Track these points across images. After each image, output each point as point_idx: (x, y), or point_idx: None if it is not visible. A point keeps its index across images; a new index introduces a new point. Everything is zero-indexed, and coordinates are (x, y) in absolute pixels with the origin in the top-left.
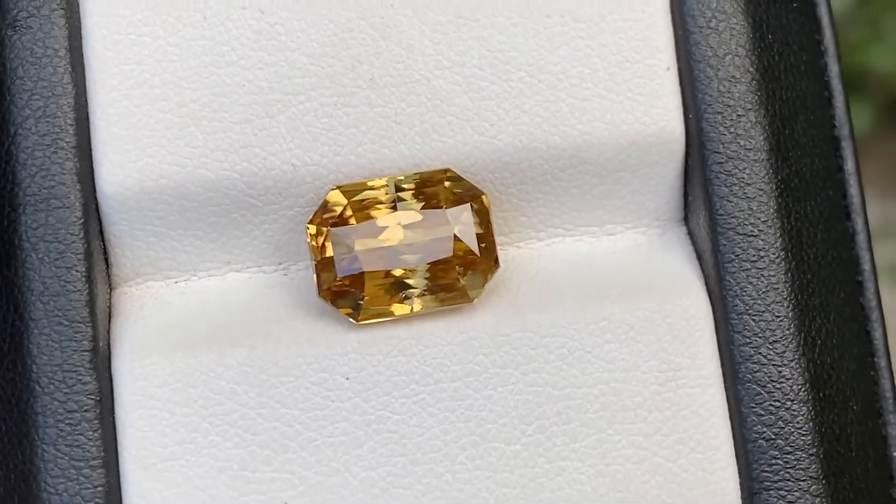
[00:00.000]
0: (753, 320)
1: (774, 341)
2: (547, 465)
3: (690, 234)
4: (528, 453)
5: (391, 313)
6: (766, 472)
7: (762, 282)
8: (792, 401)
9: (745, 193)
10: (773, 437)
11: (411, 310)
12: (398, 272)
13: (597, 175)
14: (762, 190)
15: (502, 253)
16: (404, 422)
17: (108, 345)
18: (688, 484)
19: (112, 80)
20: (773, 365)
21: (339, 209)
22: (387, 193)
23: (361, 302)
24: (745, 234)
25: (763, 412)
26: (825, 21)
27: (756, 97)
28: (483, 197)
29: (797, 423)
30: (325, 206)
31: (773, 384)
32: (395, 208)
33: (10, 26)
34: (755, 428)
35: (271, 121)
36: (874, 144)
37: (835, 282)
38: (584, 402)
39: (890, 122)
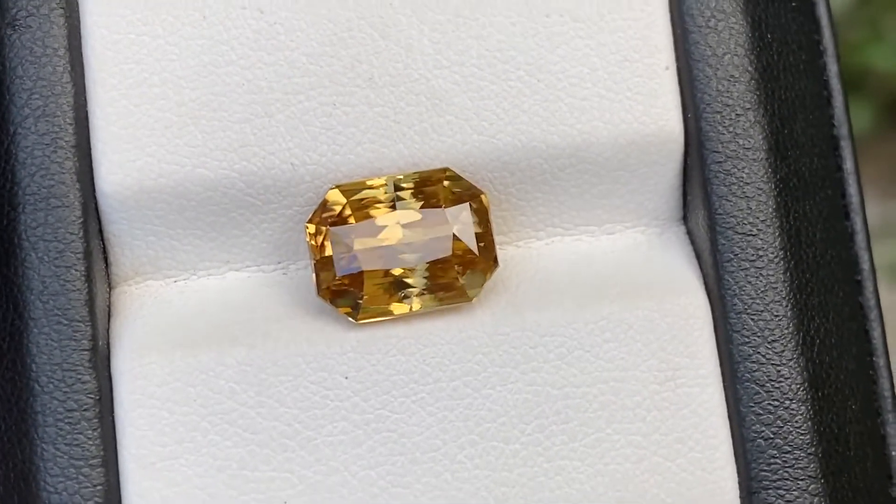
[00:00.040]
0: (752, 319)
1: (773, 340)
2: (546, 464)
3: (689, 233)
4: (526, 452)
5: (390, 312)
6: (765, 471)
7: (761, 281)
8: (791, 400)
9: (743, 193)
10: (772, 436)
11: (410, 309)
12: (397, 271)
13: (596, 174)
14: (761, 189)
15: (501, 252)
16: (403, 421)
17: (108, 344)
18: (687, 483)
19: (111, 80)
20: (772, 364)
21: (338, 208)
22: (386, 193)
23: (360, 301)
24: (744, 233)
25: (762, 411)
26: (824, 21)
27: (755, 96)
28: (482, 196)
29: (796, 422)
30: (324, 206)
31: (772, 383)
32: (394, 207)
33: (10, 25)
34: (754, 427)
35: (270, 120)
36: (874, 144)
37: (833, 281)
38: (583, 402)
39: (890, 121)
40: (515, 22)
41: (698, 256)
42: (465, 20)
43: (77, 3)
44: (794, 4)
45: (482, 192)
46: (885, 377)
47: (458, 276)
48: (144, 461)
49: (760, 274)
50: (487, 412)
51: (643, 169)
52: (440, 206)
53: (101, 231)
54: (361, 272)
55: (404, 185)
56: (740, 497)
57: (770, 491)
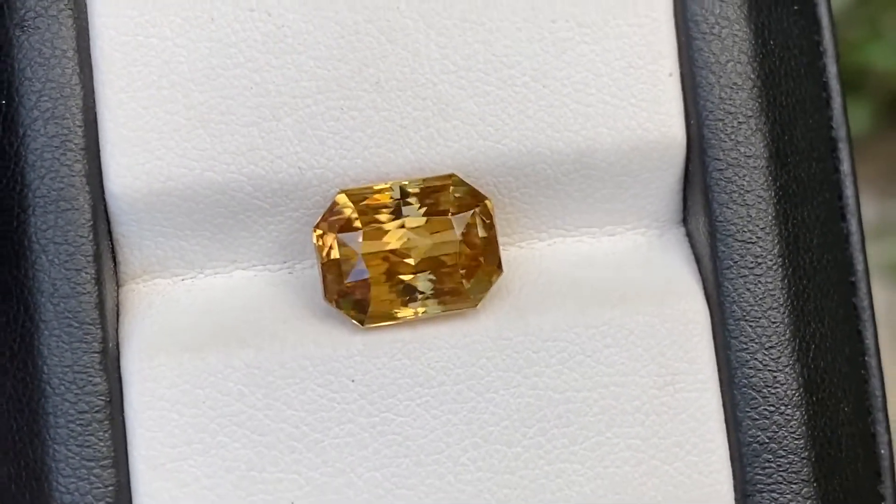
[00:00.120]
0: (750, 326)
1: (770, 347)
2: (547, 466)
3: (689, 235)
4: (528, 455)
5: (396, 317)
6: (760, 475)
7: (759, 288)
8: (786, 405)
9: (744, 200)
10: (767, 440)
11: (416, 314)
12: (403, 277)
13: (599, 179)
14: (761, 197)
15: (504, 253)
16: (408, 424)
17: (117, 344)
18: (684, 486)
19: (120, 82)
20: (769, 370)
21: (345, 213)
22: (392, 198)
23: (367, 306)
24: (743, 240)
25: (758, 416)
26: (825, 21)
27: (757, 104)
28: (487, 202)
29: (790, 427)
30: (331, 210)
31: (768, 389)
32: (400, 213)
33: (18, 26)
34: (750, 432)
35: (278, 124)
36: (872, 143)
37: (829, 285)
38: (583, 406)
39: (888, 121)
40: (521, 27)
41: (697, 260)
42: (472, 25)
43: (85, 5)
44: (796, 8)
45: (487, 198)
46: (877, 377)
47: (463, 281)
48: (154, 462)
49: (759, 281)
50: (490, 415)
51: (645, 174)
52: (446, 212)
53: (109, 231)
54: (368, 277)
55: (410, 190)
56: (735, 500)
57: (764, 494)
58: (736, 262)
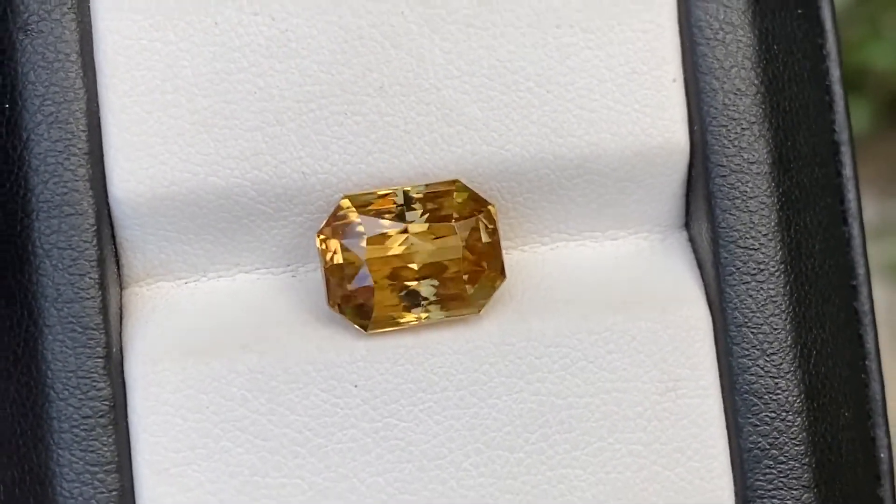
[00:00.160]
0: (752, 332)
1: (772, 353)
2: (549, 472)
3: (691, 239)
4: (531, 461)
5: (399, 323)
6: (760, 481)
7: (761, 294)
8: (787, 412)
9: (747, 207)
10: (768, 447)
11: (419, 319)
12: (407, 282)
13: (602, 185)
14: (764, 203)
15: (507, 257)
16: (411, 429)
17: (121, 348)
18: (685, 492)
19: (123, 86)
20: (770, 376)
21: (348, 219)
22: (396, 203)
23: (370, 311)
24: (746, 247)
25: (759, 423)
26: (828, 24)
27: (760, 110)
28: (490, 208)
29: (791, 433)
30: (334, 216)
31: (770, 395)
32: (403, 219)
33: (22, 30)
34: (751, 438)
35: (282, 128)
36: (872, 143)
37: (830, 289)
38: (585, 412)
39: (888, 120)
40: (525, 32)
41: (700, 266)
42: (476, 30)
43: (89, 8)
44: (799, 11)
45: (490, 204)
46: (877, 380)
47: (466, 287)
48: (158, 467)
49: (761, 287)
50: (493, 421)
51: (648, 179)
52: (449, 218)
53: (113, 235)
54: (372, 283)
55: (414, 195)
56: None
57: (765, 500)
58: (738, 268)
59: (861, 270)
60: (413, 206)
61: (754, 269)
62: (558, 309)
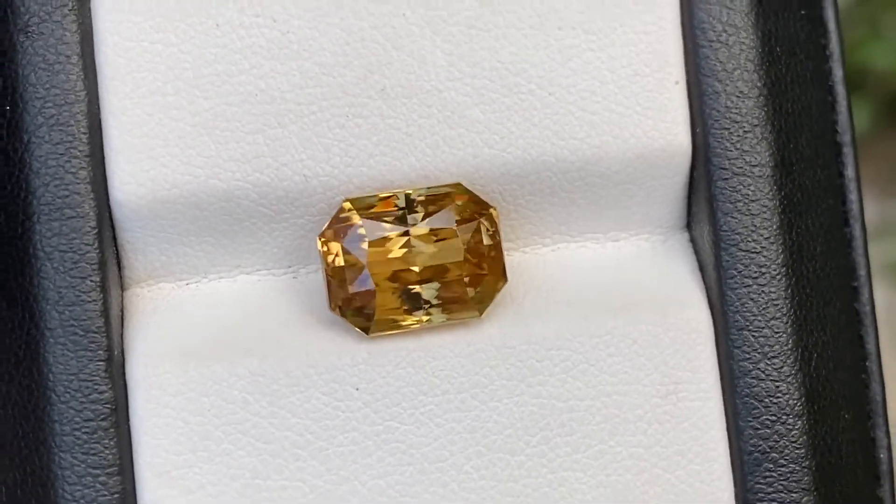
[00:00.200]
0: (753, 336)
1: (773, 357)
2: (550, 475)
3: (693, 241)
4: (531, 464)
5: (401, 326)
6: (761, 483)
7: (763, 298)
8: (787, 415)
9: (748, 210)
10: (769, 450)
11: (420, 322)
12: (408, 285)
13: (604, 187)
14: (766, 206)
15: (509, 258)
16: (412, 432)
17: (122, 350)
18: (685, 495)
19: (124, 88)
20: (771, 380)
21: (350, 221)
22: (397, 206)
23: (372, 314)
24: (747, 250)
25: (759, 426)
26: (831, 25)
27: (763, 112)
28: (492, 211)
29: (792, 436)
30: (336, 218)
31: (770, 398)
32: (405, 221)
33: (23, 32)
34: (751, 441)
35: (283, 131)
36: (872, 143)
37: (831, 291)
38: (586, 414)
39: (888, 120)
40: (528, 35)
41: (701, 268)
42: (478, 32)
43: (90, 10)
44: (803, 13)
45: (492, 207)
46: (877, 381)
47: (467, 290)
48: (159, 469)
49: (762, 291)
50: (494, 424)
51: (650, 182)
52: (451, 221)
53: (114, 237)
54: (373, 286)
55: (415, 198)
56: None
57: (765, 503)
58: (740, 271)
59: (862, 272)
60: (415, 208)
61: (756, 272)
62: (559, 312)
